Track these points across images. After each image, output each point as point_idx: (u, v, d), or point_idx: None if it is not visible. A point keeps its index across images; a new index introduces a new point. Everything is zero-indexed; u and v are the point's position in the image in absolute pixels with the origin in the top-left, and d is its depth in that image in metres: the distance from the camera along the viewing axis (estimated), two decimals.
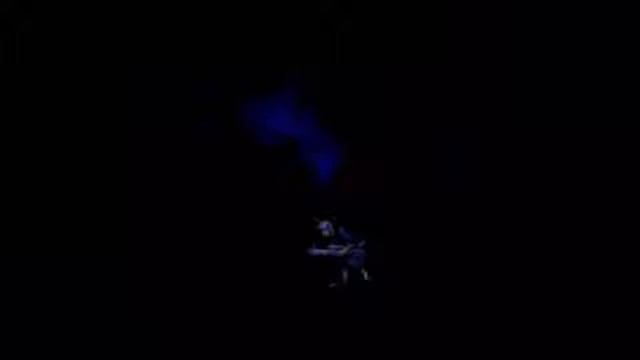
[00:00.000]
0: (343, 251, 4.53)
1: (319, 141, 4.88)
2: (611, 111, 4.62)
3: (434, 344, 4.19)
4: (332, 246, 4.54)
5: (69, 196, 4.70)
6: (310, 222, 4.60)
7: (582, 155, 4.65)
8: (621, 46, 4.59)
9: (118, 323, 4.33)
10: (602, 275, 4.41)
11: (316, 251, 4.52)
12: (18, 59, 4.59)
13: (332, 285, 4.55)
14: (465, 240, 4.67)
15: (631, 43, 4.58)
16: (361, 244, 4.57)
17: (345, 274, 4.55)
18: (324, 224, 4.57)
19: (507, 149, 4.75)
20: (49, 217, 4.64)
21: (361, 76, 4.89)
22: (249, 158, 4.90)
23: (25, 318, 4.33)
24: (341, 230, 4.59)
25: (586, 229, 4.54)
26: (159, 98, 4.85)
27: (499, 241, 4.62)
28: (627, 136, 4.59)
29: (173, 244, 4.68)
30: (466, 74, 4.82)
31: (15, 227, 4.57)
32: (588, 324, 4.20)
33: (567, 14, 4.64)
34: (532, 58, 4.74)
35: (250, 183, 4.87)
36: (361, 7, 4.86)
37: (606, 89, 4.63)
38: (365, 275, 4.56)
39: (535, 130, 4.72)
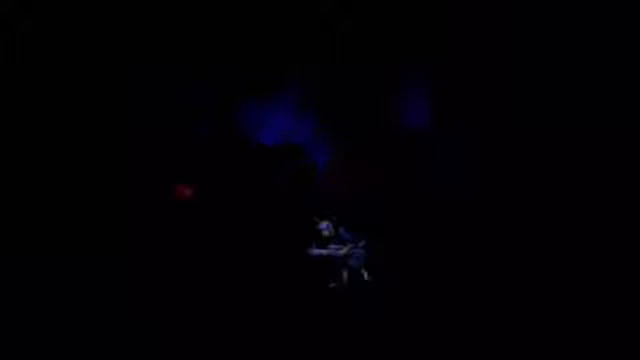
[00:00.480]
0: (343, 251, 4.53)
1: (319, 141, 4.88)
2: (611, 111, 4.61)
3: (434, 344, 4.19)
4: (332, 246, 4.55)
5: (69, 196, 4.71)
6: (310, 222, 4.60)
7: (582, 155, 4.64)
8: (621, 46, 4.59)
9: (117, 323, 4.33)
10: (602, 275, 4.40)
11: (316, 251, 4.52)
12: (18, 59, 4.60)
13: (332, 285, 4.55)
14: (465, 240, 4.66)
15: (631, 43, 4.57)
16: (361, 244, 4.57)
17: (345, 274, 4.55)
18: (324, 224, 4.58)
19: (507, 149, 4.75)
20: (49, 217, 4.64)
21: (361, 76, 4.89)
22: (249, 158, 4.90)
23: (25, 318, 4.33)
24: (341, 230, 4.59)
25: (586, 229, 4.54)
26: (159, 98, 4.85)
27: (499, 241, 4.62)
28: (627, 136, 4.58)
29: (173, 244, 4.68)
30: (466, 74, 4.82)
31: (15, 227, 4.58)
32: (588, 324, 4.19)
33: (567, 14, 4.64)
34: (532, 58, 4.73)
35: (250, 183, 4.87)
36: (361, 7, 4.86)
37: (606, 89, 4.62)
38: (365, 275, 4.56)
39: (535, 130, 4.72)
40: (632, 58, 4.56)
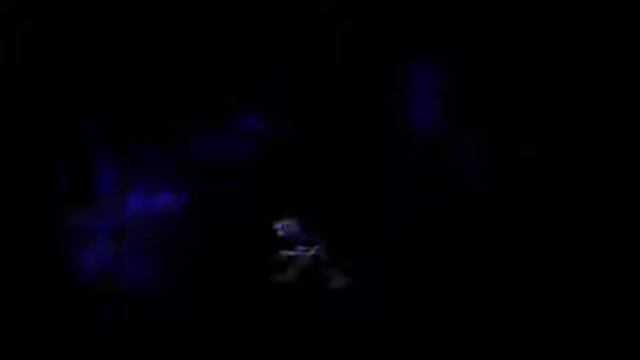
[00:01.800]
0: (311, 252, 4.52)
1: (319, 141, 4.86)
2: (612, 112, 4.44)
3: (434, 344, 4.13)
4: (299, 247, 4.53)
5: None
6: (270, 223, 4.59)
7: (584, 155, 4.48)
8: (621, 46, 4.41)
9: (116, 322, 4.43)
10: (604, 275, 4.26)
11: (283, 253, 4.51)
12: (18, 59, 4.80)
13: (302, 285, 4.52)
14: (465, 240, 4.53)
15: (631, 43, 4.39)
16: (317, 246, 4.54)
17: (314, 274, 4.53)
18: (279, 224, 4.56)
19: (507, 149, 4.61)
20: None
21: (361, 76, 4.85)
22: (246, 158, 4.92)
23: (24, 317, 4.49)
24: (296, 230, 4.56)
25: (586, 230, 4.38)
26: (160, 99, 4.95)
27: (499, 242, 4.48)
28: (629, 137, 4.40)
29: (166, 245, 4.74)
30: (466, 74, 4.71)
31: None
32: (588, 324, 4.10)
33: (567, 14, 4.50)
34: (532, 58, 4.61)
35: (248, 181, 4.89)
36: (361, 7, 4.84)
37: (607, 89, 4.45)
38: (329, 276, 4.50)
39: (535, 130, 4.58)
40: (633, 58, 4.38)
